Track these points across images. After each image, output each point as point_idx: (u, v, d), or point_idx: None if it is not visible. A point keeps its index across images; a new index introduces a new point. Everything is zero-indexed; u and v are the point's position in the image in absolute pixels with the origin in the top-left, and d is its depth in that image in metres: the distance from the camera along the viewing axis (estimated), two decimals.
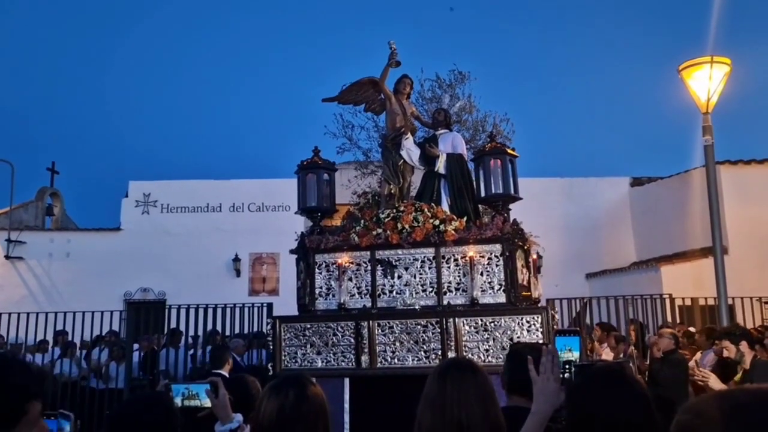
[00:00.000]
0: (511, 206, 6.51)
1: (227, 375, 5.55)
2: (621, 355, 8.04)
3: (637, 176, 17.03)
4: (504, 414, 2.65)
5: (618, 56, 51.31)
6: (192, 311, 9.18)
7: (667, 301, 9.89)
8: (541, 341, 5.23)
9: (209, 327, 9.38)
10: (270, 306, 8.81)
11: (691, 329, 9.28)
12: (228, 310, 9.34)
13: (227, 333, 9.38)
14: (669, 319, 9.72)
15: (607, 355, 8.41)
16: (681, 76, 8.73)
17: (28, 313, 9.45)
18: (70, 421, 2.30)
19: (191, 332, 9.52)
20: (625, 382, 2.10)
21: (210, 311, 9.25)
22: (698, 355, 8.02)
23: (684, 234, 14.02)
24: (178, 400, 2.66)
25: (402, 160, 6.99)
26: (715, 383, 4.48)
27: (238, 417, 2.66)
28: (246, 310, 9.71)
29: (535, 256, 6.53)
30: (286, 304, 6.99)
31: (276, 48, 59.60)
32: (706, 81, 8.47)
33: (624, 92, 50.91)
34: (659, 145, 41.61)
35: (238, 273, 16.14)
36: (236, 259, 16.07)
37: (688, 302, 10.24)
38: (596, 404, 2.01)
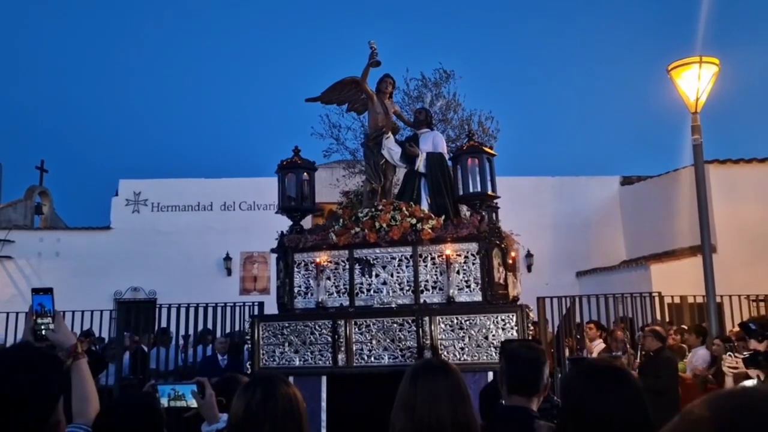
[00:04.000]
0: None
1: None
2: (613, 352, 8.06)
3: (627, 175, 17.06)
4: (503, 413, 2.64)
5: (608, 56, 51.48)
6: (183, 310, 9.15)
7: (657, 299, 9.88)
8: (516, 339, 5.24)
9: (200, 326, 9.35)
10: (261, 305, 8.73)
11: (684, 327, 9.32)
12: (219, 309, 9.31)
13: (218, 332, 9.36)
14: (658, 316, 9.72)
15: (598, 352, 8.45)
16: (670, 76, 8.77)
17: (17, 313, 9.39)
18: None
19: (182, 331, 9.49)
20: (622, 378, 2.02)
21: (201, 310, 9.22)
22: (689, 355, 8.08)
23: (673, 232, 14.05)
24: (164, 401, 2.64)
25: (383, 159, 7.01)
26: None
27: (224, 417, 2.63)
28: (237, 309, 9.66)
29: (514, 254, 6.53)
30: None
31: (267, 47, 59.68)
32: (695, 81, 8.51)
33: (614, 92, 51.11)
34: (649, 144, 41.79)
35: (229, 272, 16.09)
36: (227, 258, 16.02)
37: (677, 300, 10.25)
38: (591, 401, 1.92)
